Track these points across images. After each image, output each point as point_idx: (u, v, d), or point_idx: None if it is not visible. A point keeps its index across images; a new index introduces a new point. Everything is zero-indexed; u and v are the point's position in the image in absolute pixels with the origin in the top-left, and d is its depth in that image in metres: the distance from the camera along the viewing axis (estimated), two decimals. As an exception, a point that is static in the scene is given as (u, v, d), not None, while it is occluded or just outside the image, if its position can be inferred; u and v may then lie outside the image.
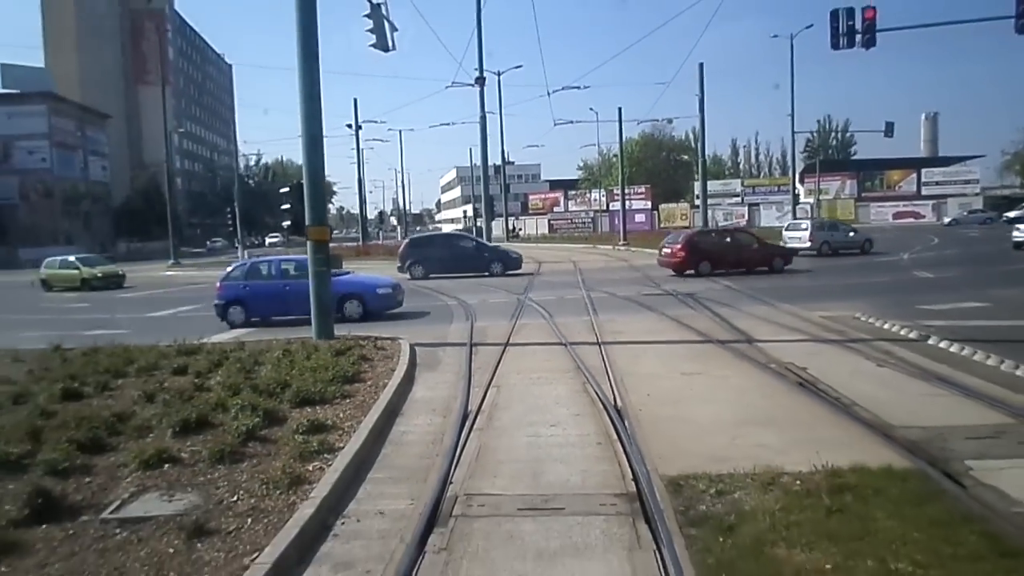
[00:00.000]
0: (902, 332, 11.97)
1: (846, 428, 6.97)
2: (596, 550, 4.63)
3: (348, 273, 18.18)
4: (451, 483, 5.89)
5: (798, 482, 5.47)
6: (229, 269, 18.34)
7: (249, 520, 5.16)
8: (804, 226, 34.85)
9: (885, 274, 23.65)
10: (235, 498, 5.57)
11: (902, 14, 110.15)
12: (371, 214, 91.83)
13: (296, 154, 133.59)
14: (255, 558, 4.52)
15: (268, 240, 49.37)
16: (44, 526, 5.20)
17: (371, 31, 19.07)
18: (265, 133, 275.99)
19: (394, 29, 19.19)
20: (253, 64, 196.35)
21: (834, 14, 22.72)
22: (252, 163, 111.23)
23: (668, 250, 26.62)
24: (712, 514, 5.05)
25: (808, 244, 32.16)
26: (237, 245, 46.92)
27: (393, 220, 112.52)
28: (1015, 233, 31.66)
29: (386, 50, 19.22)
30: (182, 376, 9.99)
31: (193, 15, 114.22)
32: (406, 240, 31.70)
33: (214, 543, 4.82)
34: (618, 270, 30.20)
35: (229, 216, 45.79)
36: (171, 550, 4.72)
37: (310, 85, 13.33)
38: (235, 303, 16.77)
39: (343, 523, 5.28)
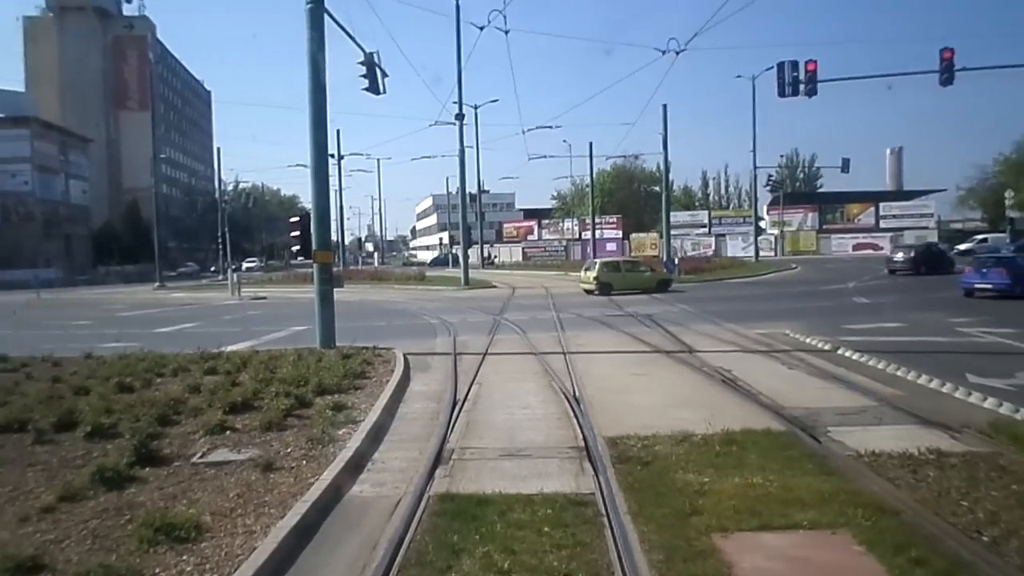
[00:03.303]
0: (819, 345, 14.20)
1: (748, 409, 9.11)
2: (553, 475, 6.69)
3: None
4: (448, 442, 7.94)
5: (701, 439, 7.57)
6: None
7: (304, 462, 7.13)
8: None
9: (828, 300, 26.05)
10: (288, 450, 7.54)
11: (845, 63, 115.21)
12: (347, 240, 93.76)
13: (273, 181, 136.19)
14: (315, 479, 6.50)
15: (245, 265, 50.69)
16: (148, 468, 7.09)
17: (364, 76, 21.23)
18: (244, 161, 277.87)
19: (385, 76, 21.38)
20: (234, 101, 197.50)
21: (780, 66, 25.36)
22: (230, 188, 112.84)
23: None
24: (636, 457, 7.10)
25: None
26: (226, 267, 48.49)
27: (369, 246, 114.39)
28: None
29: (377, 93, 21.37)
30: (214, 375, 11.87)
31: (172, 42, 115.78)
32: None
33: (282, 474, 6.78)
34: (587, 295, 32.37)
35: (219, 241, 47.36)
36: (253, 477, 6.68)
37: (318, 125, 15.38)
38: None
39: (372, 464, 7.31)
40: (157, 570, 4.76)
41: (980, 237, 65.19)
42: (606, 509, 5.70)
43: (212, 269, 78.67)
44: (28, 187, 74.05)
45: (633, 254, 72.73)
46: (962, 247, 64.87)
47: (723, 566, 4.63)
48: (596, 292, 30.80)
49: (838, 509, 5.50)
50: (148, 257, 68.79)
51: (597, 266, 32.78)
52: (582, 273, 33.91)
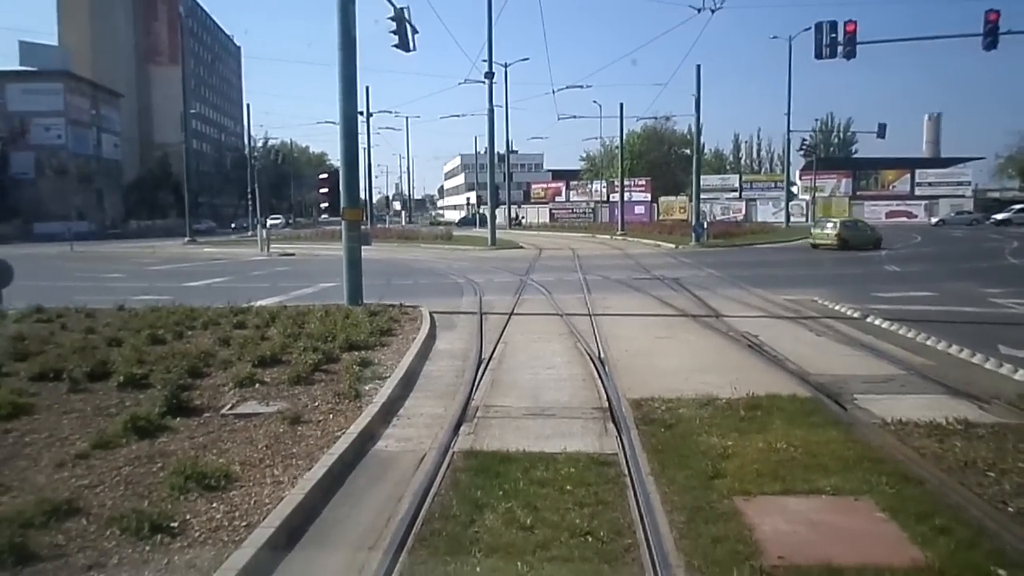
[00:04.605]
0: (847, 312, 14.06)
1: (774, 375, 9.07)
2: (577, 435, 6.74)
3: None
4: (473, 399, 8.01)
5: (726, 403, 7.56)
6: None
7: (331, 416, 7.23)
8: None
9: (859, 267, 25.73)
10: (316, 404, 7.65)
11: (885, 24, 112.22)
12: (374, 198, 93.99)
13: (302, 138, 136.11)
14: (342, 433, 6.60)
15: (270, 222, 50.78)
16: (179, 418, 7.23)
17: (394, 32, 21.08)
18: (274, 118, 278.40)
19: (415, 32, 21.20)
20: (264, 56, 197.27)
21: (818, 27, 24.75)
22: (259, 144, 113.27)
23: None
24: (660, 419, 7.12)
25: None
26: (255, 223, 48.86)
27: (397, 205, 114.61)
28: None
29: (407, 51, 21.23)
30: (243, 329, 12.02)
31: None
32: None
33: (310, 427, 6.89)
34: (613, 257, 32.35)
35: (248, 197, 47.66)
36: (281, 429, 6.79)
37: (348, 80, 15.31)
38: None
39: (398, 419, 7.42)
40: (188, 516, 4.88)
41: (1019, 207, 63.81)
42: (629, 469, 5.74)
43: (232, 225, 79.29)
44: (61, 140, 74.79)
45: (662, 217, 72.26)
46: (999, 216, 63.68)
47: (744, 528, 4.66)
48: (836, 247, 33.65)
49: (862, 476, 5.50)
50: (179, 212, 69.61)
51: (838, 225, 36.01)
52: (814, 231, 37.49)
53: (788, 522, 4.81)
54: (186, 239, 50.26)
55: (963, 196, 74.62)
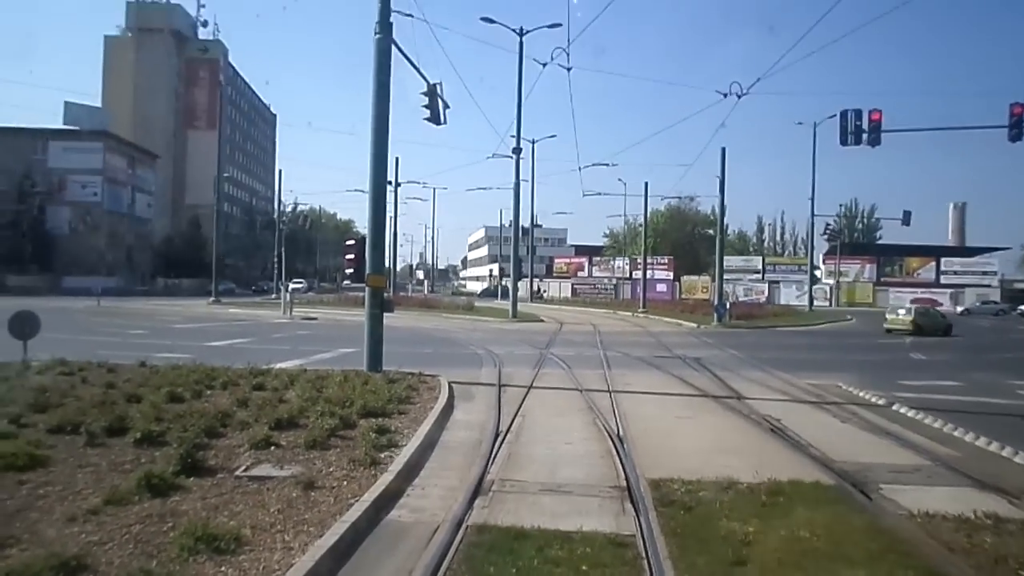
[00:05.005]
0: (872, 399, 13.81)
1: (797, 460, 8.87)
2: (593, 514, 6.59)
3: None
4: (488, 473, 7.89)
5: (747, 487, 7.39)
6: None
7: (345, 482, 7.15)
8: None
9: (884, 353, 25.45)
10: (331, 470, 7.57)
11: (911, 113, 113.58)
12: (398, 266, 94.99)
13: (330, 205, 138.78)
14: (355, 500, 6.51)
15: (292, 285, 50.81)
16: (192, 478, 7.17)
17: (426, 107, 21.58)
18: (304, 184, 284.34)
19: (447, 107, 21.71)
20: (298, 124, 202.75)
21: (843, 115, 25.01)
22: (288, 209, 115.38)
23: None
24: (679, 501, 6.96)
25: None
26: (280, 286, 49.28)
27: (420, 274, 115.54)
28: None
29: (438, 123, 21.71)
30: (262, 391, 12.01)
31: (242, 63, 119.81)
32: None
33: (323, 492, 6.80)
34: (634, 334, 32.19)
35: (275, 260, 48.22)
36: (294, 494, 6.71)
37: (379, 150, 15.65)
38: None
39: (412, 489, 7.31)
40: (196, 579, 4.80)
41: (1045, 298, 63.16)
42: (646, 551, 5.59)
43: (253, 288, 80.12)
44: (97, 198, 76.63)
45: (684, 296, 72.21)
46: (1024, 307, 63.03)
47: (766, 620, 4.50)
48: (911, 332, 34.74)
49: (888, 569, 5.32)
50: (205, 272, 70.52)
51: (913, 311, 37.85)
52: (889, 316, 38.54)
53: (811, 615, 4.63)
54: (211, 299, 50.83)
55: (989, 286, 74.12)
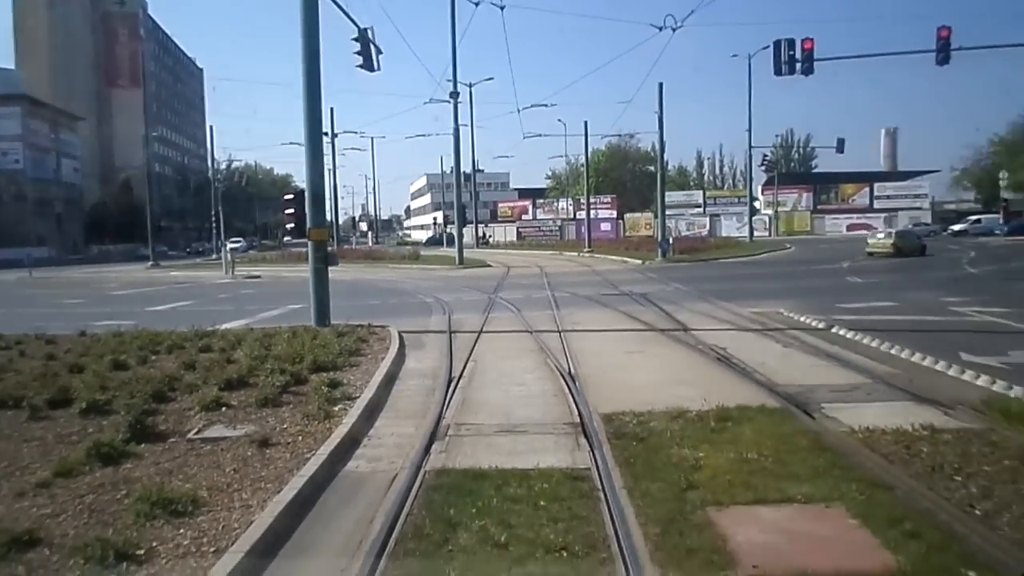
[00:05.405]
0: (813, 323, 14.24)
1: (744, 386, 9.13)
2: (549, 451, 6.71)
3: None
4: (444, 418, 7.95)
5: (696, 415, 7.59)
6: None
7: (300, 437, 7.13)
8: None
9: (822, 279, 26.13)
10: (285, 426, 7.53)
11: (842, 42, 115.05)
12: (340, 219, 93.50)
13: (268, 160, 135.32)
14: (312, 455, 6.51)
15: (230, 245, 48.92)
16: (144, 444, 7.07)
17: (358, 53, 21.08)
18: (238, 140, 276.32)
19: (379, 52, 21.22)
20: (227, 78, 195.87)
21: (777, 45, 25.26)
22: (223, 167, 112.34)
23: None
24: (632, 433, 7.11)
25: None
26: (222, 245, 48.18)
27: (363, 226, 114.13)
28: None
29: (372, 70, 21.26)
30: (209, 352, 11.83)
31: (163, 16, 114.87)
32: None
33: (278, 449, 6.78)
34: (581, 274, 32.47)
35: (212, 220, 47.08)
36: (249, 453, 6.68)
37: (312, 101, 15.24)
38: None
39: (368, 439, 7.33)
40: (154, 543, 4.77)
41: (974, 218, 65.37)
42: (602, 483, 5.73)
43: (188, 251, 78.25)
44: (19, 165, 73.75)
45: (628, 234, 72.87)
46: (955, 228, 65.18)
47: (718, 539, 4.67)
48: (892, 254, 36.62)
49: (832, 484, 5.54)
50: (140, 236, 68.56)
51: (893, 234, 39.99)
52: (870, 240, 40.29)
53: (762, 531, 4.83)
54: (149, 263, 49.55)
55: (921, 208, 76.32)
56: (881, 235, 40.93)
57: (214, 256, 54.12)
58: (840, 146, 58.01)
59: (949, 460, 6.01)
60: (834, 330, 13.39)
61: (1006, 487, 5.42)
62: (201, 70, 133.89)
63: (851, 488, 5.40)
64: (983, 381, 9.03)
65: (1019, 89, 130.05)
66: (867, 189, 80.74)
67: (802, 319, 14.93)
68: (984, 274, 26.85)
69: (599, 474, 5.95)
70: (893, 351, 11.24)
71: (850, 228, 74.12)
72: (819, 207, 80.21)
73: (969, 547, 4.48)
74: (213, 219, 52.02)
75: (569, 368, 10.43)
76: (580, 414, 7.87)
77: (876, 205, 78.52)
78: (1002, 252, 38.83)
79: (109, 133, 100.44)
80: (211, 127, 76.43)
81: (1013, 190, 66.40)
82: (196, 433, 7.42)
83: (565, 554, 4.54)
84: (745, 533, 4.75)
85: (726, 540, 4.64)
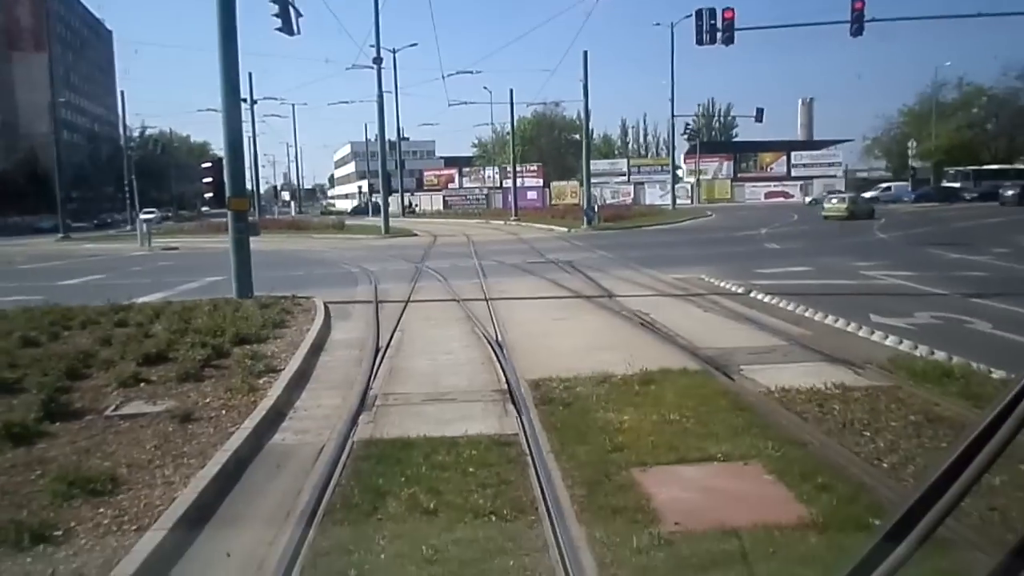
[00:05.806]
0: (732, 288, 14.67)
1: (666, 350, 9.36)
2: (477, 418, 6.77)
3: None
4: (371, 389, 7.93)
5: (621, 379, 7.75)
6: None
7: (224, 412, 7.00)
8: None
9: (741, 245, 26.85)
10: (208, 400, 7.39)
11: (761, 13, 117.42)
12: (262, 189, 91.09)
13: (184, 127, 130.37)
14: (236, 429, 6.41)
15: (143, 216, 46.12)
16: (58, 423, 6.83)
17: (277, 15, 20.44)
18: (152, 106, 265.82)
19: (299, 15, 20.63)
20: (138, 41, 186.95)
21: (698, 13, 25.63)
22: (136, 134, 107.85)
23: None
24: (558, 398, 7.23)
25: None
26: (135, 216, 46.32)
27: (286, 195, 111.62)
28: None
29: (291, 34, 20.64)
30: (125, 327, 11.44)
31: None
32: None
33: (201, 424, 6.66)
34: (508, 242, 32.60)
35: (125, 190, 45.28)
36: (171, 429, 6.53)
37: (229, 65, 14.76)
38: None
39: (294, 412, 7.26)
40: (73, 524, 4.64)
41: (884, 185, 67.84)
42: (529, 448, 5.82)
43: (95, 222, 75.11)
44: (-88, 133, 69.18)
45: (554, 202, 73.23)
46: (867, 195, 67.52)
47: (642, 498, 4.80)
48: (846, 217, 39.10)
49: (750, 442, 5.75)
50: (49, 207, 65.47)
51: (847, 199, 43.07)
52: (826, 205, 43.69)
53: (683, 489, 4.99)
54: (60, 235, 47.48)
55: (835, 176, 78.73)
56: (835, 200, 43.54)
57: (128, 228, 52.20)
58: (759, 115, 59.33)
59: (859, 417, 6.30)
60: (752, 295, 13.82)
61: (910, 441, 5.73)
62: (110, 32, 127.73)
63: (767, 446, 5.62)
64: (891, 341, 9.48)
65: (929, 60, 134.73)
66: (784, 158, 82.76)
67: (722, 284, 15.35)
68: (893, 239, 28.01)
69: (527, 439, 6.04)
70: (807, 314, 11.68)
71: (768, 196, 76.17)
72: (739, 175, 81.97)
73: (877, 498, 4.72)
74: (126, 189, 49.81)
75: (496, 336, 10.50)
76: (507, 381, 7.95)
77: (793, 173, 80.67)
78: (909, 219, 40.52)
79: (12, 100, 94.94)
80: (122, 92, 73.13)
81: (921, 158, 69.25)
82: (114, 410, 7.20)
83: (494, 518, 4.60)
84: (667, 491, 4.91)
85: (649, 499, 4.78)
